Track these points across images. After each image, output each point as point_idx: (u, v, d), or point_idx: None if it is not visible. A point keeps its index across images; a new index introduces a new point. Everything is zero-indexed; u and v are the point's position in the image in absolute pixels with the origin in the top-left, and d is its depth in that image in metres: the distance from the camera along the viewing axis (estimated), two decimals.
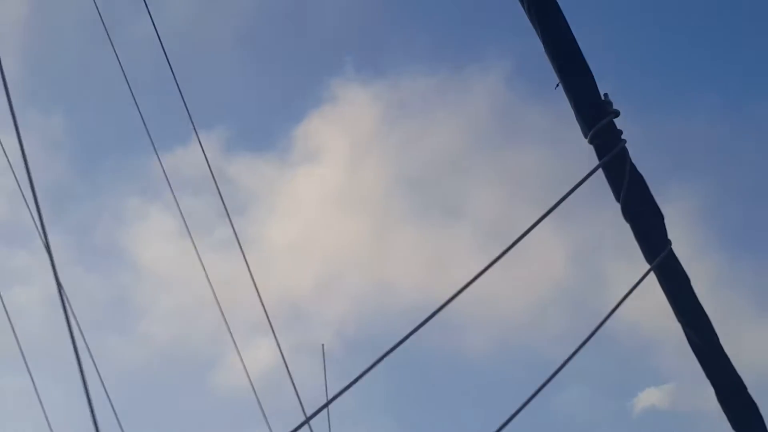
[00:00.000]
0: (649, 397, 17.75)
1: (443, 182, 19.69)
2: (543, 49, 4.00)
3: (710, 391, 4.14)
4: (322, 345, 7.24)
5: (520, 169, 19.50)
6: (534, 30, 4.02)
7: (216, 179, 7.39)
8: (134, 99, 6.54)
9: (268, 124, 21.25)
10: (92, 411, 3.19)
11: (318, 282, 18.87)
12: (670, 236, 4.08)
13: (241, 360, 6.82)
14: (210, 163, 7.48)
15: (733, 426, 4.02)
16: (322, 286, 18.95)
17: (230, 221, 6.58)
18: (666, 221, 4.11)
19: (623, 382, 18.10)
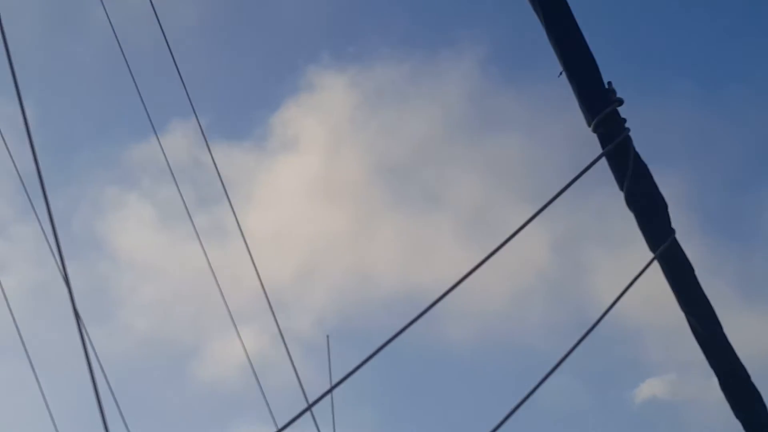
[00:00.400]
0: (651, 388, 17.78)
1: (422, 169, 19.67)
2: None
3: (711, 381, 4.14)
4: (327, 336, 7.20)
5: (499, 154, 19.50)
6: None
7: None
8: (134, 82, 6.46)
9: (244, 112, 21.12)
10: (100, 404, 3.15)
11: (298, 271, 18.81)
12: None
13: (244, 347, 6.75)
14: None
15: (737, 415, 4.03)
16: (302, 274, 18.90)
17: (232, 208, 6.52)
18: None
19: (624, 372, 18.11)
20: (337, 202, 19.57)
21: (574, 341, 4.08)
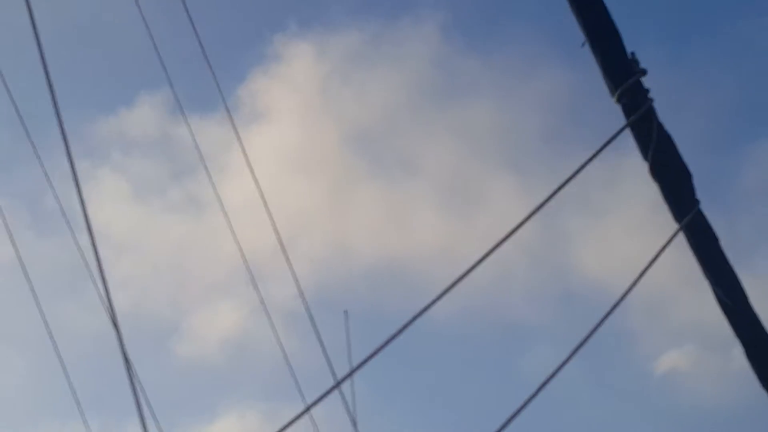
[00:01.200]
0: (671, 360, 17.75)
1: (395, 137, 19.52)
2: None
3: (731, 353, 4.14)
4: (345, 311, 7.11)
5: (471, 120, 19.32)
6: None
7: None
8: (151, 38, 6.28)
9: (212, 84, 20.78)
10: (135, 391, 3.10)
11: (276, 243, 18.64)
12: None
13: (268, 315, 6.64)
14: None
15: (762, 384, 4.02)
16: (280, 246, 18.73)
17: (254, 177, 6.38)
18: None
19: (645, 344, 18.05)
20: (310, 171, 19.42)
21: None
